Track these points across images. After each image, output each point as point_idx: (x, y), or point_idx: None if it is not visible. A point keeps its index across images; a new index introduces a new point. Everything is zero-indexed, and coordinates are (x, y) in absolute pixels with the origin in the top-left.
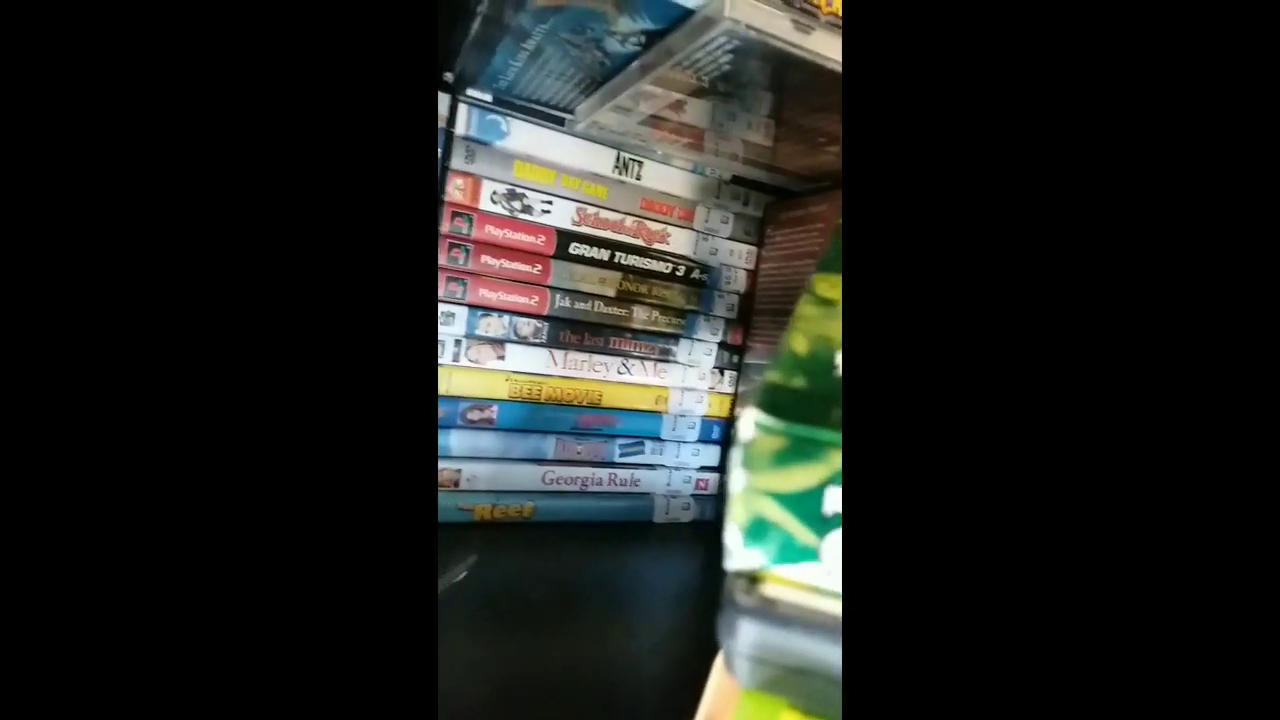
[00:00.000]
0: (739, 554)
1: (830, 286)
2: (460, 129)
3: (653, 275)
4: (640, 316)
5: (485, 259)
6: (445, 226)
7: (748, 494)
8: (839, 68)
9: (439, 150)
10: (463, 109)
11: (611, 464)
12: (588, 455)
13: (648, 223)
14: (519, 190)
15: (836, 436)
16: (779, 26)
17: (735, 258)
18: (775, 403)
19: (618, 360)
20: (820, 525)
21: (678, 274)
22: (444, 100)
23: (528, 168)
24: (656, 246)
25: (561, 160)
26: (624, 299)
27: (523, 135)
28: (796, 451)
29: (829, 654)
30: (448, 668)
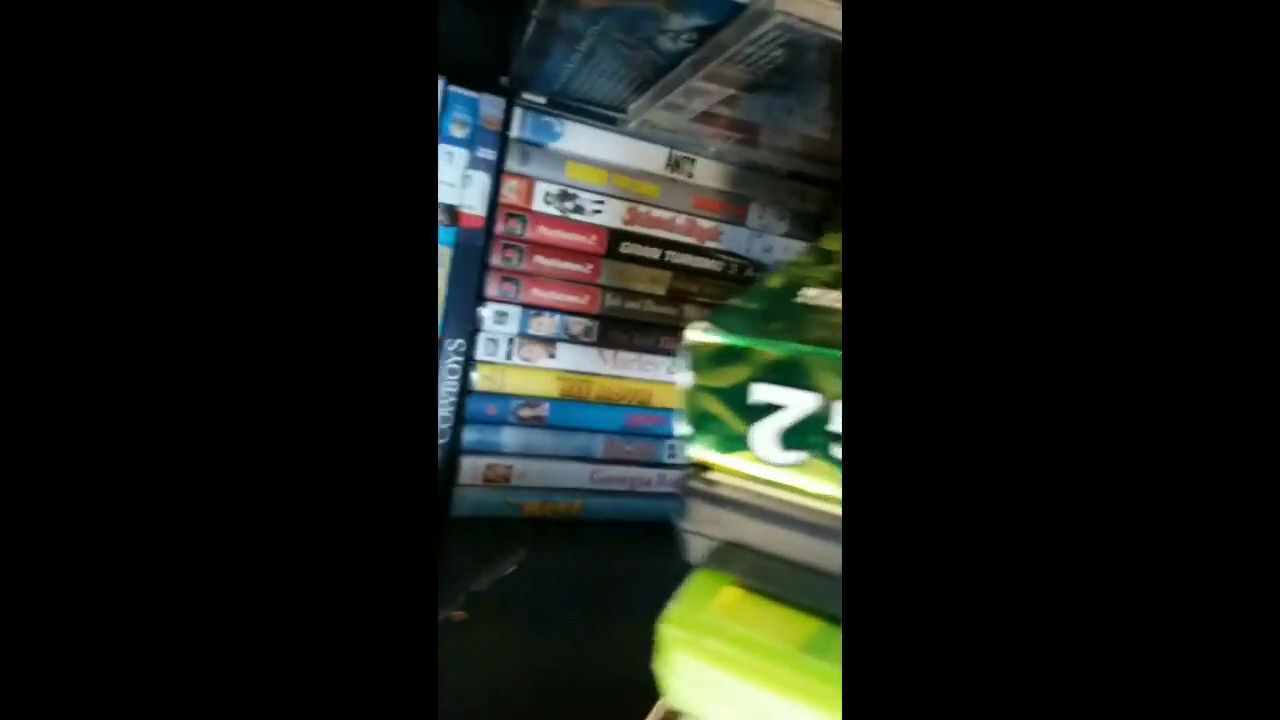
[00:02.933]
0: (689, 445)
1: (833, 241)
2: (515, 131)
3: (704, 274)
4: (692, 315)
5: (538, 259)
6: (500, 227)
7: (692, 391)
8: None
9: (495, 153)
10: (517, 112)
11: (660, 464)
12: (637, 455)
13: (699, 221)
14: (571, 191)
15: (764, 343)
16: (831, 18)
17: (791, 255)
18: (724, 319)
19: (668, 360)
20: (747, 414)
21: (730, 272)
22: (499, 104)
23: (580, 168)
24: (708, 244)
25: (613, 160)
26: (675, 298)
27: (575, 136)
28: (729, 354)
29: (761, 533)
30: (489, 660)
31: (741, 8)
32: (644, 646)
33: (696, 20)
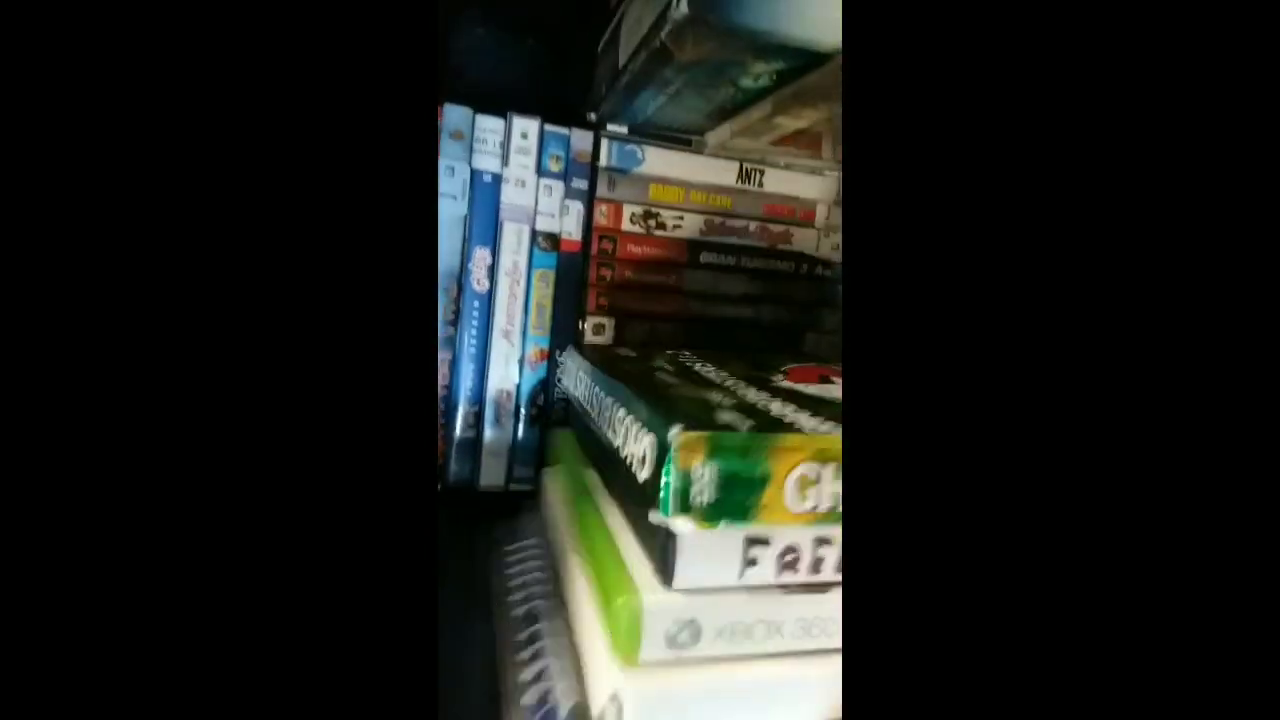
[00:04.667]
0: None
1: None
2: (603, 161)
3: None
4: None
5: (628, 273)
6: (594, 248)
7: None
8: None
9: (587, 182)
10: (604, 143)
11: None
12: None
13: (771, 226)
14: (654, 210)
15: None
16: None
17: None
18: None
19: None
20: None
21: (801, 271)
22: (588, 137)
23: (660, 188)
24: (780, 247)
25: (690, 178)
26: (751, 299)
27: (656, 160)
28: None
29: None
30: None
31: (819, 55)
32: None
33: (778, 65)
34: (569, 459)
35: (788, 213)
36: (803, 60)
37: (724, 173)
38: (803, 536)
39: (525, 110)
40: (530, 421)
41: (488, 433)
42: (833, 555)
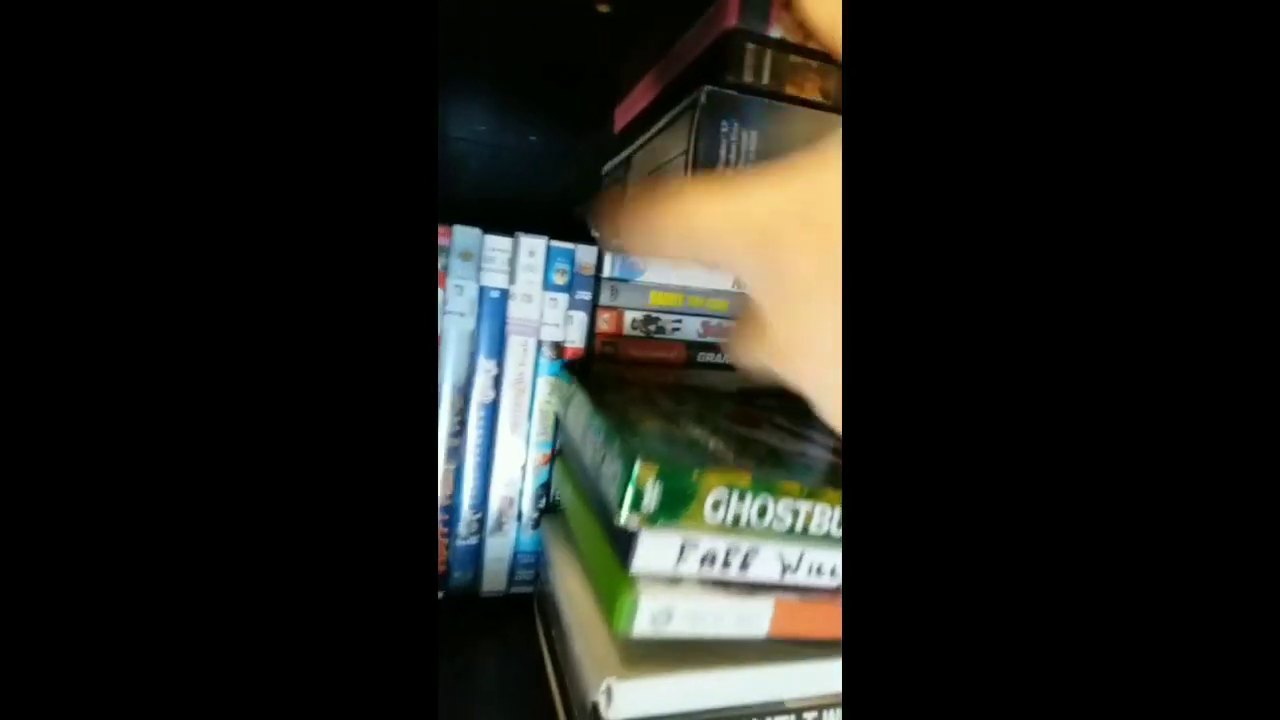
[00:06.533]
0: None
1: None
2: (606, 272)
3: None
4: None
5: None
6: (597, 353)
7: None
8: None
9: (590, 293)
10: (607, 256)
11: None
12: None
13: None
14: (654, 315)
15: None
16: None
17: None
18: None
19: None
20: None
21: None
22: (592, 251)
23: (661, 295)
24: None
25: (688, 284)
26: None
27: (656, 268)
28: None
29: None
30: None
31: None
32: None
33: None
34: (565, 488)
35: None
36: None
37: (720, 277)
38: (718, 543)
39: (531, 224)
40: (533, 525)
41: (490, 539)
42: (737, 559)
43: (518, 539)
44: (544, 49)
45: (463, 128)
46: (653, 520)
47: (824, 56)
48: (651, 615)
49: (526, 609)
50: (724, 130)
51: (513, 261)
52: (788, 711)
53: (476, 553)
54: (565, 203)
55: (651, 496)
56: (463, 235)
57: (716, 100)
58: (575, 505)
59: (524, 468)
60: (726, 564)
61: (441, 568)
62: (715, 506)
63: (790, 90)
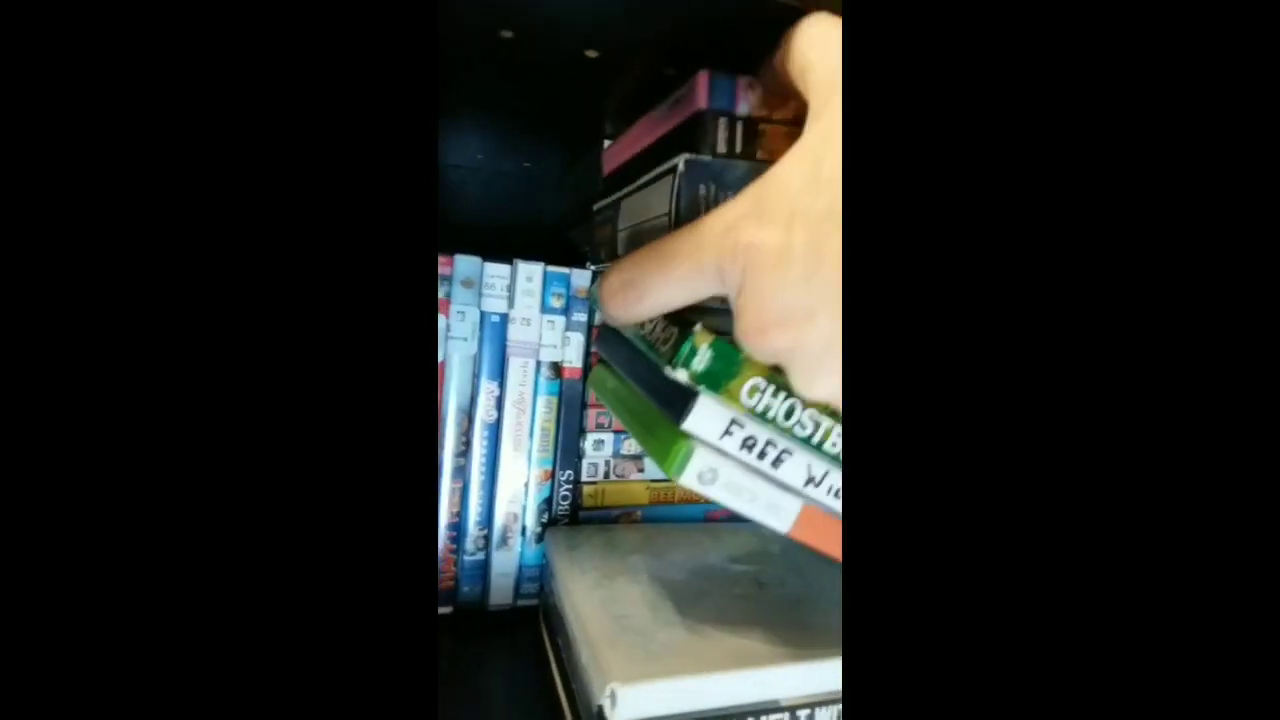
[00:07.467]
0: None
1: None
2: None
3: None
4: None
5: None
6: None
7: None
8: None
9: (586, 315)
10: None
11: None
12: None
13: None
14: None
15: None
16: None
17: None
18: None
19: None
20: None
21: None
22: (586, 275)
23: None
24: None
25: None
26: None
27: None
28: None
29: None
30: None
31: None
32: None
33: None
34: (604, 382)
35: None
36: None
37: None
38: (760, 433)
39: (526, 249)
40: (537, 539)
41: (496, 554)
42: (772, 453)
43: (522, 553)
44: (536, 88)
45: (459, 154)
46: (697, 379)
47: (793, 122)
48: (699, 471)
49: (532, 620)
50: (702, 193)
51: (511, 287)
52: (782, 709)
53: (483, 567)
54: (560, 227)
55: (702, 358)
56: (464, 264)
57: (694, 166)
58: (620, 391)
59: (527, 484)
60: (763, 454)
61: (450, 583)
62: (750, 393)
63: (762, 156)
